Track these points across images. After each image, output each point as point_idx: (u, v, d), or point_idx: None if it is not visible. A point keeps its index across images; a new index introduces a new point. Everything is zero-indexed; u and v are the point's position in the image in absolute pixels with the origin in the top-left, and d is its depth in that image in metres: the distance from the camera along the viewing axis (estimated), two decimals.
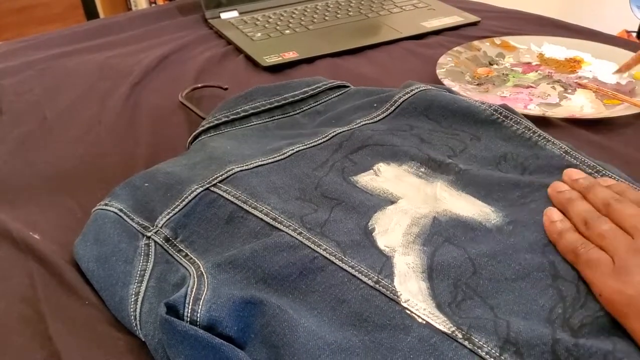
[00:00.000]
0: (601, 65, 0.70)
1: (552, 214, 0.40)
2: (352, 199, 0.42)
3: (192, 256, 0.39)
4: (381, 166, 0.46)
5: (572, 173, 0.43)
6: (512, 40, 0.77)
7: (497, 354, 0.31)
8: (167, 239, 0.41)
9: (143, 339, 0.36)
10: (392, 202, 0.42)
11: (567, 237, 0.37)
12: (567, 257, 0.37)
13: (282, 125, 0.55)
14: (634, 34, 1.87)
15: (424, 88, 0.53)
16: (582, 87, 0.66)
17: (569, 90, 0.65)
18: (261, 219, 0.40)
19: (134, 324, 0.36)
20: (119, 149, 0.59)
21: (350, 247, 0.38)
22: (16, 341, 0.37)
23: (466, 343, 0.32)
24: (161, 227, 0.41)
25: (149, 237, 0.41)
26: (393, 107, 0.52)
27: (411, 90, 0.52)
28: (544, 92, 0.65)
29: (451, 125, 0.50)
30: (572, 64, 0.71)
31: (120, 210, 0.44)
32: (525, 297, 0.34)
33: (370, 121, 0.51)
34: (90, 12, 2.14)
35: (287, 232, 0.38)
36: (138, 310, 0.36)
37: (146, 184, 0.45)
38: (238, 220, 0.40)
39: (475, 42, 0.76)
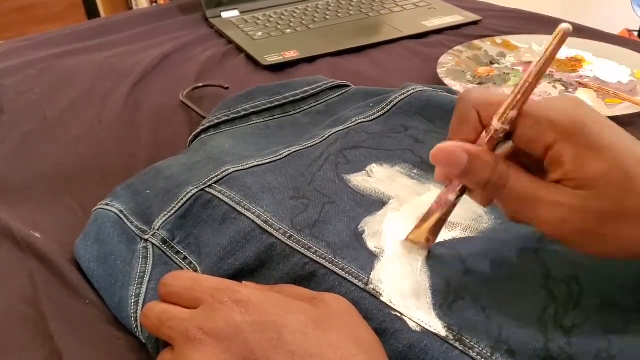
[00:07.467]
0: (602, 64, 0.70)
1: None
2: (344, 202, 0.42)
3: (190, 258, 0.39)
4: (374, 167, 0.46)
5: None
6: (513, 39, 0.77)
7: (489, 354, 0.31)
8: (164, 241, 0.41)
9: (144, 341, 0.36)
10: (384, 203, 0.42)
11: None
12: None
13: (283, 124, 0.55)
14: (636, 33, 1.87)
15: (420, 89, 0.53)
16: (583, 86, 0.66)
17: (570, 90, 0.65)
18: (253, 221, 0.39)
19: (134, 326, 0.36)
20: (120, 148, 0.59)
21: (340, 248, 0.37)
22: (17, 340, 0.37)
23: (457, 344, 0.31)
24: (158, 230, 0.41)
25: (146, 240, 0.41)
26: (389, 107, 0.52)
27: (407, 91, 0.53)
28: (545, 92, 0.65)
29: (446, 125, 0.50)
30: (573, 63, 0.71)
31: (121, 212, 0.44)
32: (517, 297, 0.34)
33: (366, 120, 0.51)
34: (91, 12, 2.15)
35: (277, 237, 0.38)
36: (139, 312, 0.36)
37: (147, 191, 0.45)
38: (230, 221, 0.40)
39: (477, 42, 0.76)
